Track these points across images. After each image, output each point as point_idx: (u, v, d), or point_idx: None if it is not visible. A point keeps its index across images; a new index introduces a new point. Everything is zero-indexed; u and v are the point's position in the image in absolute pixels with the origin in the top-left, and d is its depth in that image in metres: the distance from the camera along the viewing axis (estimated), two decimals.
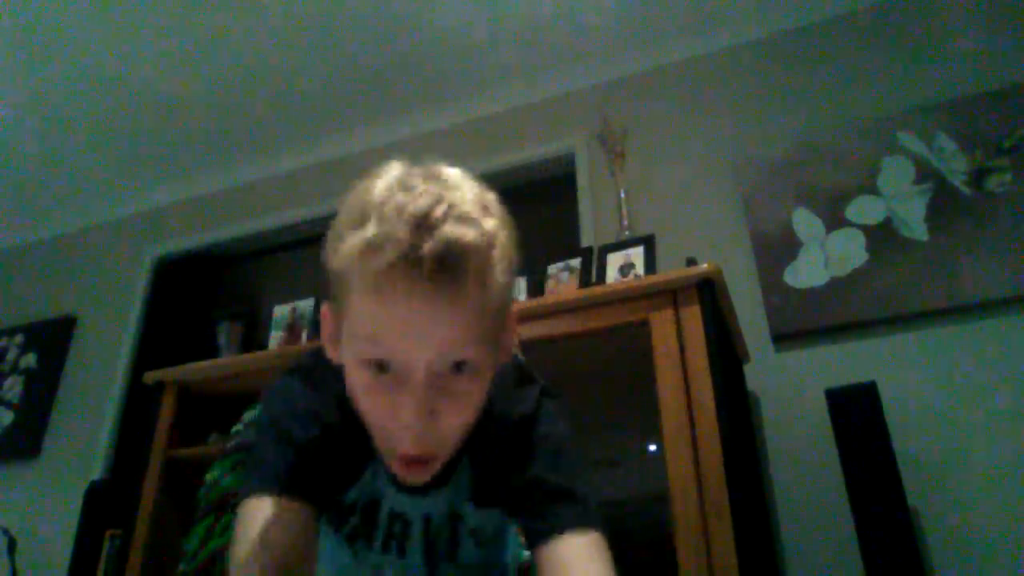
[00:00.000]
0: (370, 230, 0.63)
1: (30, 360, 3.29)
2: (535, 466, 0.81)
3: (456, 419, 0.70)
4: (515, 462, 0.83)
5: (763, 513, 1.89)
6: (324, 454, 0.76)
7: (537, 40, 2.71)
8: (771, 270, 2.20)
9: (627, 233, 2.23)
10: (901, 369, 1.97)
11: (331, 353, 0.76)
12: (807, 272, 2.16)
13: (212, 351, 2.59)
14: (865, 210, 2.17)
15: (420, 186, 0.65)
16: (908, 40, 2.38)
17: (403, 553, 0.90)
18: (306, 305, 2.62)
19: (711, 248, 2.22)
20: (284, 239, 3.23)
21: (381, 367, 0.67)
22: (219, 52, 2.74)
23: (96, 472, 2.87)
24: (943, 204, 2.09)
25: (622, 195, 2.31)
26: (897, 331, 2.03)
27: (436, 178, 0.67)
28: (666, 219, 2.38)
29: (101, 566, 2.29)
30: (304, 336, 2.53)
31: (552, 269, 2.22)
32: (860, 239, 2.14)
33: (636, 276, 2.01)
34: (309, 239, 3.19)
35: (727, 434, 1.58)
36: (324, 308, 0.77)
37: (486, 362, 0.70)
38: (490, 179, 0.74)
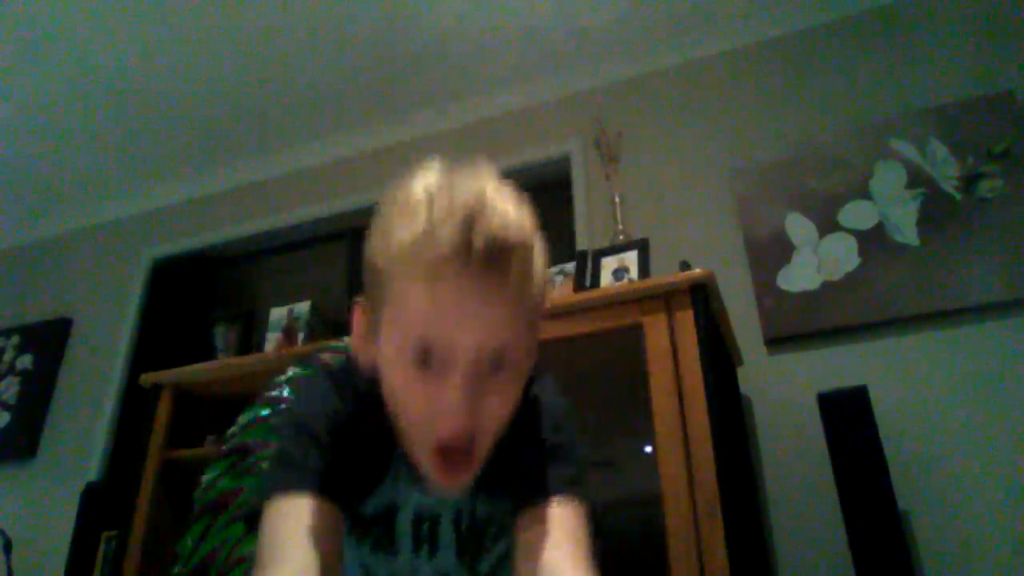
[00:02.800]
0: (421, 225, 0.67)
1: (26, 361, 3.29)
2: (530, 434, 0.82)
3: (495, 413, 0.71)
4: (514, 441, 0.82)
5: (755, 515, 1.91)
6: (348, 455, 0.77)
7: (533, 44, 2.73)
8: (764, 274, 2.22)
9: (621, 237, 2.24)
10: (892, 373, 1.99)
11: (362, 352, 0.77)
12: (800, 276, 2.18)
13: (208, 353, 2.60)
14: (857, 215, 2.19)
15: (464, 184, 0.69)
16: (900, 46, 2.40)
17: (434, 553, 0.90)
18: (302, 307, 2.63)
19: (705, 252, 2.23)
20: (281, 241, 3.23)
21: (424, 360, 0.68)
22: (217, 54, 2.75)
23: (92, 473, 2.87)
24: (934, 209, 2.11)
25: (616, 199, 2.32)
26: (889, 335, 2.05)
27: (477, 177, 0.71)
28: (660, 223, 2.39)
29: (97, 567, 2.30)
30: (300, 338, 2.54)
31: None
32: (852, 244, 2.16)
33: (630, 280, 2.03)
34: (306, 241, 3.21)
35: (719, 437, 1.59)
36: (356, 308, 0.78)
37: (524, 359, 0.73)
38: None
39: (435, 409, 0.69)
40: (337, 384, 0.83)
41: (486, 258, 0.65)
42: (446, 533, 0.89)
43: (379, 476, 0.84)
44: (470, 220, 0.65)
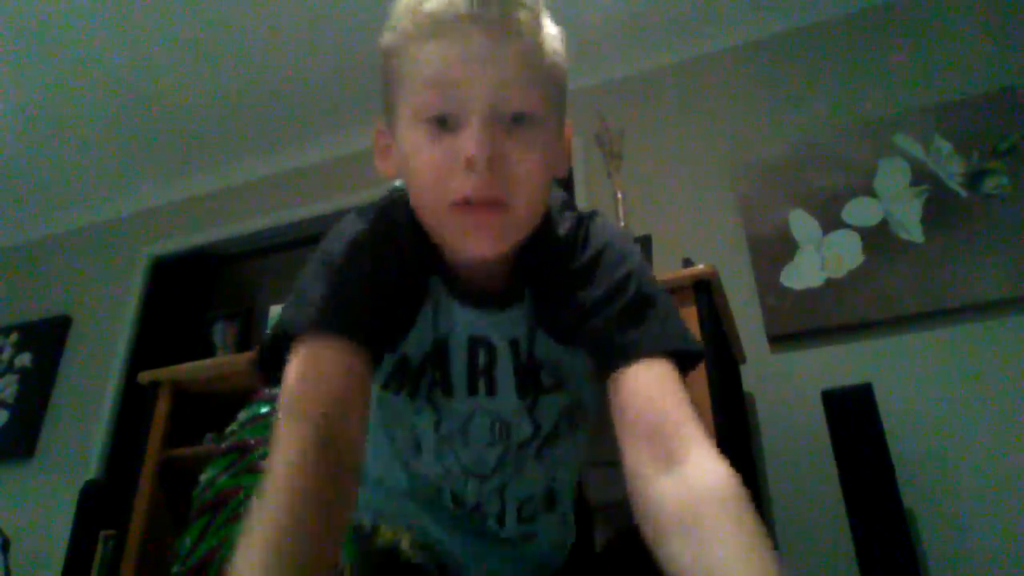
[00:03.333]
0: None
1: (25, 359, 3.28)
2: (599, 283, 0.76)
3: (523, 166, 0.68)
4: (577, 282, 0.77)
5: (758, 514, 1.89)
6: (374, 288, 0.73)
7: None
8: (767, 271, 2.21)
9: None
10: (897, 371, 1.98)
11: (383, 166, 0.77)
12: (803, 273, 2.16)
13: (207, 351, 2.59)
14: (861, 212, 2.17)
15: None
16: (905, 42, 2.39)
17: (493, 390, 0.83)
18: None
19: (707, 249, 2.22)
20: (279, 239, 3.22)
21: (440, 121, 0.67)
22: (216, 53, 2.74)
23: (91, 472, 2.86)
24: (939, 206, 2.10)
25: (619, 196, 2.31)
26: (893, 333, 2.03)
27: None
28: (663, 220, 2.38)
29: (95, 566, 2.28)
30: None
31: None
32: (856, 241, 2.14)
33: None
34: (305, 239, 3.19)
35: (723, 435, 1.58)
36: (377, 125, 0.78)
37: (546, 125, 0.71)
38: None
39: (453, 162, 0.67)
40: (366, 217, 0.80)
41: (498, 14, 0.65)
42: (503, 361, 0.82)
43: (415, 306, 0.79)
44: None
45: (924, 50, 2.35)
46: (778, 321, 2.14)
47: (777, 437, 2.03)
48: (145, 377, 2.25)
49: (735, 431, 1.73)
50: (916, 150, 2.19)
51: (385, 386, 0.83)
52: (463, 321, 0.80)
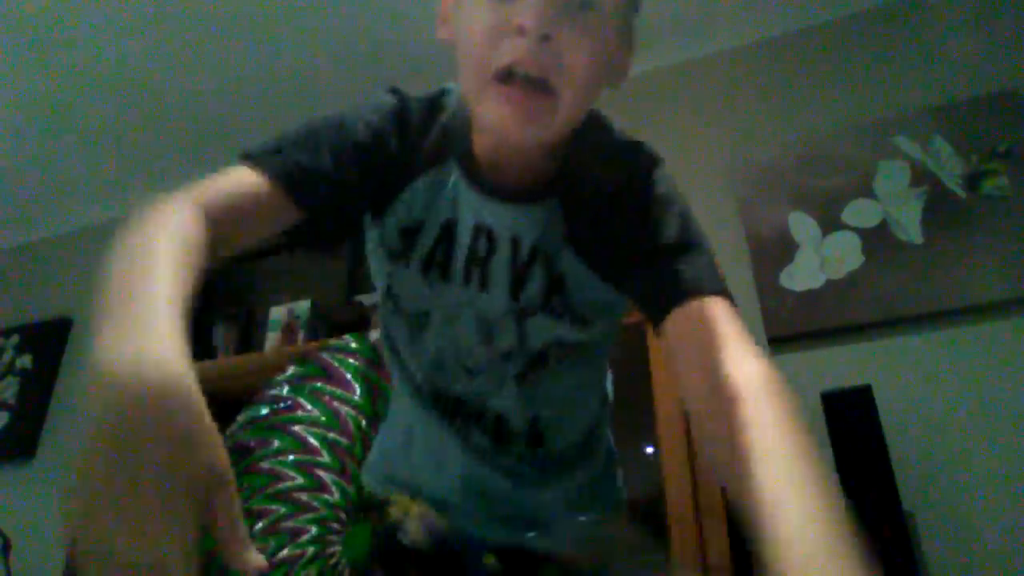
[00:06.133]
0: None
1: (26, 361, 3.28)
2: (654, 225, 0.74)
3: (577, 53, 0.66)
4: (625, 216, 0.75)
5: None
6: (354, 159, 0.77)
7: None
8: (767, 273, 2.21)
9: None
10: (897, 372, 1.97)
11: (441, 31, 0.79)
12: (803, 275, 2.16)
13: (207, 352, 2.59)
14: (861, 213, 2.17)
15: None
16: (904, 44, 2.39)
17: (486, 284, 0.80)
18: (302, 306, 2.62)
19: None
20: (280, 240, 3.22)
21: None
22: (216, 53, 2.74)
23: None
24: (939, 207, 2.10)
25: None
26: (893, 334, 2.03)
27: None
28: None
29: None
30: (300, 337, 2.53)
31: None
32: (856, 242, 2.14)
33: None
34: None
35: None
36: None
37: (612, 20, 0.70)
38: None
39: (505, 26, 0.65)
40: (417, 97, 0.84)
41: None
42: (501, 255, 0.79)
43: (396, 188, 0.79)
44: None
45: (924, 52, 2.35)
46: (777, 322, 2.14)
47: None
48: None
49: None
50: (915, 151, 2.19)
51: (395, 256, 0.83)
52: (470, 206, 0.79)
